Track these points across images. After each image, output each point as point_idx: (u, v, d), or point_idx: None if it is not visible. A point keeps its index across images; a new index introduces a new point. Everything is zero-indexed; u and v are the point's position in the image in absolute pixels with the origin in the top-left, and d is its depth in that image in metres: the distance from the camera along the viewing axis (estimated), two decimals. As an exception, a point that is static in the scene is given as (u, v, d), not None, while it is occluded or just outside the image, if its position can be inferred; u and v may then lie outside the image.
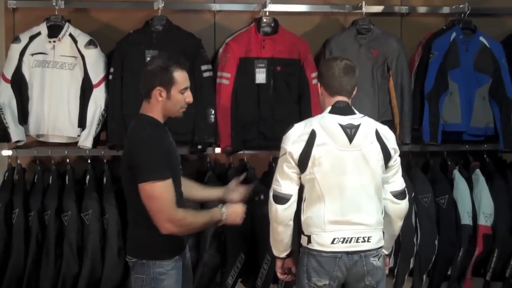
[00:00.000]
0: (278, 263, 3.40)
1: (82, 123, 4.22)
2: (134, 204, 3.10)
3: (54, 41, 4.22)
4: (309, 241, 3.18)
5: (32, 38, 4.22)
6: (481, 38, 4.58)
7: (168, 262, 3.12)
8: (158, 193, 2.97)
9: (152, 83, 3.08)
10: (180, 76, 3.09)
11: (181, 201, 3.22)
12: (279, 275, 3.43)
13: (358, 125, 3.17)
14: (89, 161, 4.33)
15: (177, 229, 3.04)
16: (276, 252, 3.35)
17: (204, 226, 3.21)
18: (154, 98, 3.09)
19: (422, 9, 4.79)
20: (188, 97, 3.15)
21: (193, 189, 3.47)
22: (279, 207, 3.17)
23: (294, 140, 3.15)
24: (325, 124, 3.16)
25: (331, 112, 3.21)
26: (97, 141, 4.25)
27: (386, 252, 3.42)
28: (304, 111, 4.30)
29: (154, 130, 3.09)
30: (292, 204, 3.18)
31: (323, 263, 3.15)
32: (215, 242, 4.21)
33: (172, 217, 3.00)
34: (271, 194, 3.21)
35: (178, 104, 3.12)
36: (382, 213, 3.26)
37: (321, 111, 3.32)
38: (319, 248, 3.16)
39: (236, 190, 3.51)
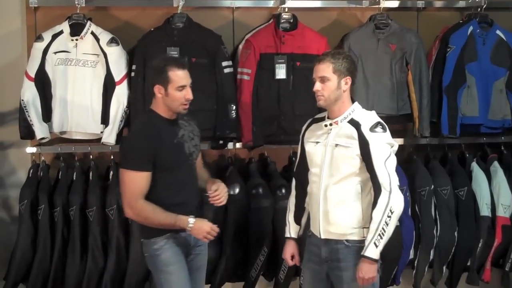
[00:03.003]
0: None
1: (105, 120, 4.28)
2: None
3: (77, 39, 4.26)
4: None
5: (54, 36, 4.26)
6: (498, 32, 4.62)
7: (160, 239, 3.35)
8: (126, 180, 3.27)
9: (152, 81, 3.35)
10: (176, 75, 3.27)
11: (191, 192, 3.40)
12: None
13: None
14: (112, 157, 4.39)
15: (134, 217, 3.33)
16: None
17: (165, 226, 3.30)
18: (157, 95, 3.33)
19: (438, 4, 4.81)
20: (188, 94, 3.31)
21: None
22: None
23: None
24: None
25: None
26: (119, 138, 4.28)
27: None
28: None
29: (147, 123, 3.33)
30: None
31: None
32: (238, 235, 4.27)
33: (131, 204, 3.26)
34: (398, 189, 3.23)
35: (177, 101, 3.30)
36: None
37: None
38: None
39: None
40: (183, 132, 3.41)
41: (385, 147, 3.25)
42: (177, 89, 3.27)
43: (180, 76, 3.28)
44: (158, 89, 3.29)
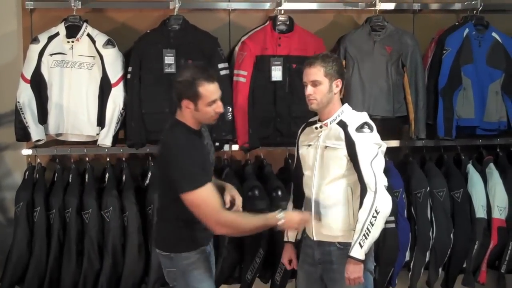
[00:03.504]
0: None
1: (101, 122, 4.27)
2: (161, 201, 3.25)
3: (73, 41, 4.26)
4: None
5: (50, 38, 4.26)
6: (494, 34, 4.63)
7: (193, 253, 3.21)
8: (200, 200, 3.03)
9: (180, 95, 3.15)
10: (207, 90, 3.11)
11: None
12: None
13: None
14: (108, 159, 4.39)
15: (227, 230, 3.11)
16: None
17: (258, 229, 3.20)
18: (184, 108, 3.17)
19: (434, 6, 4.83)
20: (218, 107, 3.17)
21: None
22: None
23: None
24: None
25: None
26: (115, 140, 4.30)
27: None
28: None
29: (188, 138, 3.15)
30: None
31: None
32: (234, 237, 4.26)
33: (219, 220, 3.04)
34: (385, 189, 3.22)
35: (207, 115, 3.17)
36: None
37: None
38: None
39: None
40: (206, 141, 3.33)
41: (371, 147, 3.25)
42: (208, 104, 3.12)
43: (211, 91, 3.11)
44: (186, 104, 3.11)
